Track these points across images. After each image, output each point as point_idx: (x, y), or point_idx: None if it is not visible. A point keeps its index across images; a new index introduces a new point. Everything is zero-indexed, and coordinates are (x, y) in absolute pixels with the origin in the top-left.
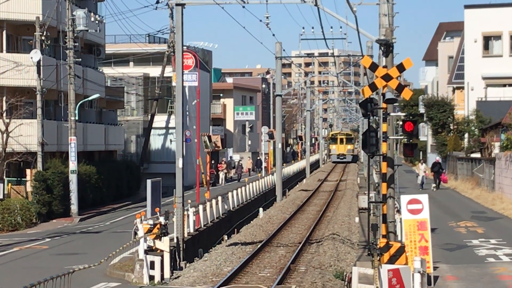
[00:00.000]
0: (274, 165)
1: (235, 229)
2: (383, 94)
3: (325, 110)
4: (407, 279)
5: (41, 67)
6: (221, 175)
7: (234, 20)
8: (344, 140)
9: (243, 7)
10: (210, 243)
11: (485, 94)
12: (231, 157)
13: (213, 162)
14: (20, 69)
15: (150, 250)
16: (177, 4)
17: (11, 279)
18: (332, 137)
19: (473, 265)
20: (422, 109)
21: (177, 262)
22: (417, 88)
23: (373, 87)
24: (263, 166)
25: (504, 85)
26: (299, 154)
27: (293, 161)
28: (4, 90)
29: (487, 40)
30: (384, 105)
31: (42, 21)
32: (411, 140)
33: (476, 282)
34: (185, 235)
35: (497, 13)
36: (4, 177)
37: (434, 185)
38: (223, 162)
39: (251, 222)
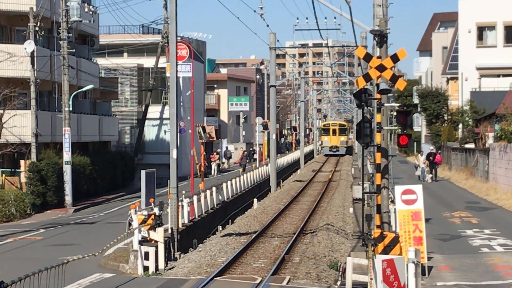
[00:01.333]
0: (268, 155)
1: (230, 220)
2: (377, 85)
3: (319, 100)
4: (401, 270)
5: (35, 58)
6: (214, 166)
7: (228, 11)
8: (337, 131)
9: None
10: (204, 234)
11: (479, 84)
12: (227, 147)
13: (204, 153)
14: (14, 60)
15: (144, 241)
16: None
17: (6, 270)
18: (324, 127)
19: (467, 255)
20: (416, 100)
21: (172, 253)
22: (411, 79)
23: (367, 77)
24: (256, 157)
25: (498, 75)
26: (293, 144)
27: (287, 152)
28: None
29: (481, 31)
30: (378, 96)
31: (36, 12)
32: (405, 131)
33: (470, 272)
34: (180, 226)
35: (491, 4)
36: None
37: (430, 175)
38: (215, 153)
39: (246, 212)
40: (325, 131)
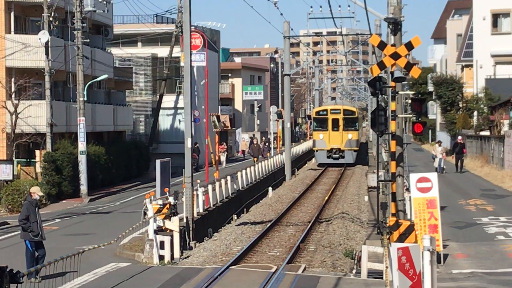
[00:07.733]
0: (283, 144)
1: (245, 209)
2: (392, 73)
3: (334, 89)
4: (417, 257)
5: (49, 48)
6: (222, 157)
7: (242, 0)
8: (341, 122)
9: None
10: (219, 223)
11: (494, 71)
12: (249, 135)
13: (196, 145)
14: (28, 50)
15: (159, 230)
16: None
17: (22, 259)
18: (318, 116)
19: (482, 243)
20: (431, 87)
21: (187, 242)
22: (426, 66)
23: (381, 65)
24: (270, 147)
25: None
26: (308, 133)
27: (302, 141)
28: (13, 72)
29: (496, 18)
30: (392, 84)
31: (50, 2)
32: (419, 118)
33: (486, 259)
34: (195, 215)
35: None
36: (14, 158)
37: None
38: (224, 144)
39: (261, 201)
40: (319, 122)
